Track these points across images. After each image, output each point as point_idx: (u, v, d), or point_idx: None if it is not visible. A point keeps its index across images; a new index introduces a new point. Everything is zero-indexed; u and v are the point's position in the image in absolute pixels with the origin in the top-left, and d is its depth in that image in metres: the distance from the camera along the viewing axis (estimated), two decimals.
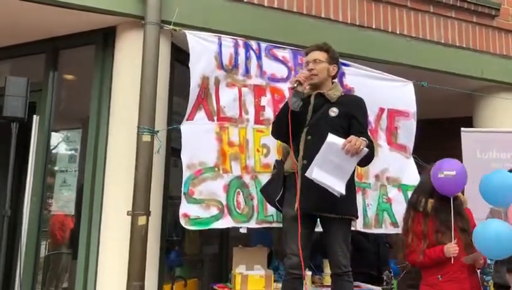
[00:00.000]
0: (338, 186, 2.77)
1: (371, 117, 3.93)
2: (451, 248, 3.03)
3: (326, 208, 2.89)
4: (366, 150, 2.78)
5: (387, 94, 4.07)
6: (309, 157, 2.87)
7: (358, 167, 3.09)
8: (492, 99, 5.01)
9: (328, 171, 2.75)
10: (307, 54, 3.20)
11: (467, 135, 4.64)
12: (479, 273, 3.36)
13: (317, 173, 2.75)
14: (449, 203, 3.13)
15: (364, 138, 2.83)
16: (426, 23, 4.72)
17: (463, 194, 3.41)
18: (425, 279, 3.23)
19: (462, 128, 4.66)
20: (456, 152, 4.50)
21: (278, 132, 3.16)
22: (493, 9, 5.01)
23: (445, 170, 3.11)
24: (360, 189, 3.71)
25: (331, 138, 2.78)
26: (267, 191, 3.27)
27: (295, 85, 2.95)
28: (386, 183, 3.99)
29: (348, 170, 2.82)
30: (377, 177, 3.95)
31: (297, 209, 2.88)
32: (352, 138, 2.78)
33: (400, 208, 3.92)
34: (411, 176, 4.05)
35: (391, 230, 3.93)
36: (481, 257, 3.04)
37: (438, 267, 3.12)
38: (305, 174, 2.80)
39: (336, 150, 2.75)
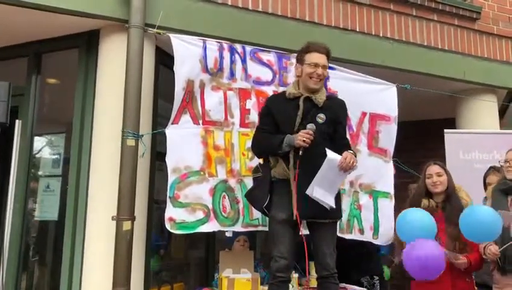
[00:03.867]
0: (329, 200, 2.85)
1: (353, 121, 3.96)
2: None
3: (321, 213, 2.90)
4: (357, 166, 2.86)
5: (370, 98, 4.09)
6: (300, 165, 2.87)
7: None
8: (474, 101, 5.08)
9: (323, 187, 2.83)
10: (311, 50, 3.05)
11: (450, 136, 4.69)
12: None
13: (317, 191, 2.81)
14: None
15: (352, 151, 2.89)
16: (409, 26, 4.78)
17: (468, 196, 3.44)
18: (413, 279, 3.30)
19: (445, 130, 4.72)
20: (439, 153, 4.57)
21: (262, 156, 3.18)
22: (474, 13, 5.10)
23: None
24: None
25: (331, 154, 2.81)
26: (252, 197, 3.22)
27: (300, 152, 2.85)
28: (358, 190, 3.99)
29: (338, 184, 2.93)
30: (351, 183, 3.94)
31: (296, 216, 2.85)
32: (347, 154, 2.82)
33: (368, 215, 3.96)
34: (385, 181, 4.07)
35: (359, 236, 3.93)
36: (457, 258, 3.08)
37: None
38: (306, 192, 2.82)
39: (333, 166, 2.81)
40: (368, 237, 3.96)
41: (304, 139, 2.82)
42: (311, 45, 3.09)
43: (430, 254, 2.93)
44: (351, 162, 2.79)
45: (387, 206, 4.03)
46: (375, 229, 3.97)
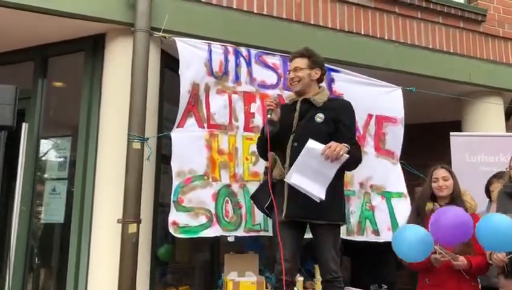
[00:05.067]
0: (317, 192, 2.78)
1: (359, 123, 3.95)
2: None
3: (314, 214, 2.89)
4: (346, 156, 2.79)
5: (376, 100, 4.09)
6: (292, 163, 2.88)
7: (346, 172, 3.10)
8: (480, 104, 5.06)
9: (308, 177, 2.77)
10: (290, 61, 3.23)
11: (455, 139, 4.68)
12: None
13: (296, 178, 2.77)
14: None
15: (346, 144, 2.83)
16: (414, 28, 4.77)
17: (473, 200, 3.42)
18: (419, 281, 3.31)
19: (451, 133, 4.70)
20: (445, 156, 4.55)
21: (262, 154, 3.21)
22: (479, 15, 5.08)
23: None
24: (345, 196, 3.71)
25: (311, 143, 2.79)
26: (256, 198, 3.28)
27: (269, 116, 2.97)
28: (369, 191, 3.98)
29: (328, 175, 2.81)
30: (361, 184, 3.94)
31: (284, 216, 2.89)
32: (332, 143, 2.78)
33: (382, 215, 3.94)
34: (396, 182, 4.06)
35: (372, 238, 3.91)
36: (456, 259, 3.04)
37: (427, 272, 3.18)
38: (284, 180, 2.82)
39: (316, 155, 2.76)
40: (386, 237, 3.90)
41: (267, 105, 3.01)
42: (290, 56, 3.30)
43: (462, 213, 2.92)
44: (336, 150, 2.74)
45: (402, 205, 4.00)
46: (394, 229, 3.94)
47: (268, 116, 2.98)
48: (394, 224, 3.96)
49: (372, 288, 4.26)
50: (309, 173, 2.77)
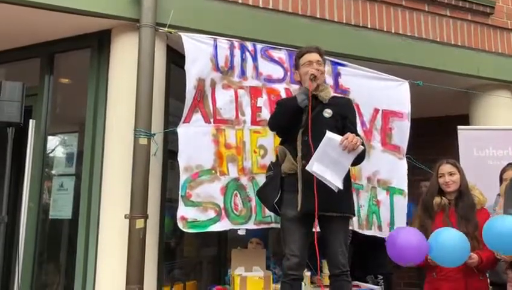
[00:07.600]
0: (336, 181, 2.84)
1: (366, 118, 3.94)
2: None
3: (329, 207, 2.91)
4: (362, 147, 2.87)
5: (383, 95, 4.07)
6: (307, 157, 2.88)
7: (351, 167, 3.11)
8: (488, 97, 5.02)
9: (326, 166, 2.83)
10: (304, 53, 3.22)
11: (463, 133, 4.64)
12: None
13: (317, 166, 2.82)
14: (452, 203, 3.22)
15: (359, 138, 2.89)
16: (421, 22, 4.73)
17: (482, 195, 3.40)
18: (426, 276, 3.31)
19: (459, 126, 4.66)
20: (453, 150, 4.52)
21: (279, 125, 3.21)
22: (488, 7, 5.03)
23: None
24: (354, 190, 3.69)
25: (330, 134, 2.86)
26: (263, 194, 3.27)
27: (311, 78, 3.02)
28: (376, 186, 3.96)
29: (345, 166, 2.90)
30: (368, 179, 3.92)
31: (299, 209, 2.89)
32: (349, 134, 2.85)
33: (386, 211, 3.94)
34: (401, 178, 4.05)
35: (378, 233, 3.91)
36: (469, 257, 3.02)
37: (434, 266, 3.15)
38: (306, 168, 2.85)
39: (334, 145, 2.83)
40: (386, 233, 3.93)
41: (312, 73, 3.03)
42: (301, 49, 3.29)
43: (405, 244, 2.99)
44: (353, 141, 2.81)
45: (401, 203, 4.01)
46: (392, 226, 3.94)
47: (312, 77, 3.02)
48: (392, 221, 3.96)
49: (369, 279, 4.29)
50: (327, 163, 2.83)
